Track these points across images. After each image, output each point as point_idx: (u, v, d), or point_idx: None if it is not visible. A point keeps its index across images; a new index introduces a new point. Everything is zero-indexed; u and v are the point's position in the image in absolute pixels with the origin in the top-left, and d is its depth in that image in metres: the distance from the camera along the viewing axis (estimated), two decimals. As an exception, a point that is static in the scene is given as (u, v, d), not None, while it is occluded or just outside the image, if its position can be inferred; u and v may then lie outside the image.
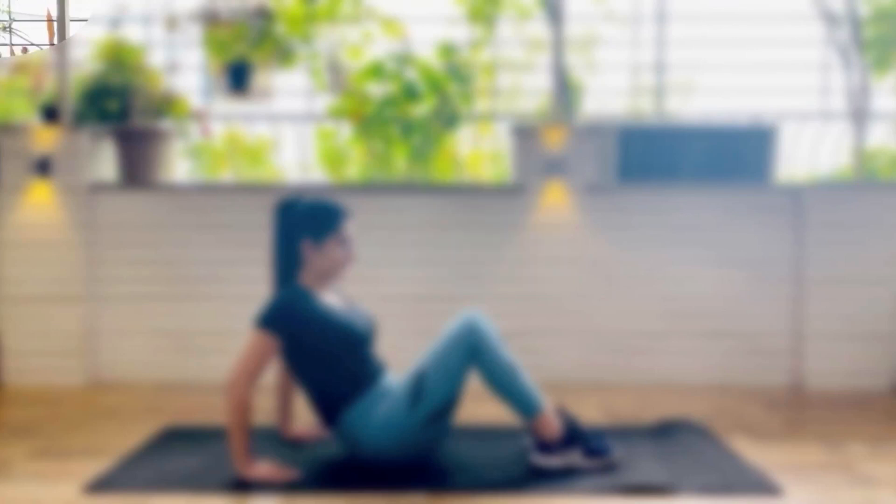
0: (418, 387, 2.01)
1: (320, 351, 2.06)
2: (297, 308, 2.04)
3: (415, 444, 2.06)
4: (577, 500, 1.91)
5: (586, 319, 3.34)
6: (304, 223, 2.10)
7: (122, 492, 1.95)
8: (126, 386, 3.27)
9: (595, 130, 3.38)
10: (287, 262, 2.14)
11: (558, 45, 3.46)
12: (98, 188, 3.34)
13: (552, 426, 2.04)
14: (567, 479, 2.00)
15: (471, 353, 2.02)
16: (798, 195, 3.27)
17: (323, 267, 2.12)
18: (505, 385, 2.03)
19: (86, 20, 3.97)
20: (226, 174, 4.34)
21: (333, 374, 2.07)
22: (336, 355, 2.06)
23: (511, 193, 3.35)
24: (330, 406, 2.07)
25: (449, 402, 2.04)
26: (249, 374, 1.96)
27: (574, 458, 2.03)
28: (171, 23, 3.65)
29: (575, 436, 2.05)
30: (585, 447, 2.04)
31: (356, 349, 2.11)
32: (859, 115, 3.53)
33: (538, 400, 2.05)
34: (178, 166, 4.12)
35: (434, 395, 2.00)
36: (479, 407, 2.46)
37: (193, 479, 2.03)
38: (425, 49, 3.97)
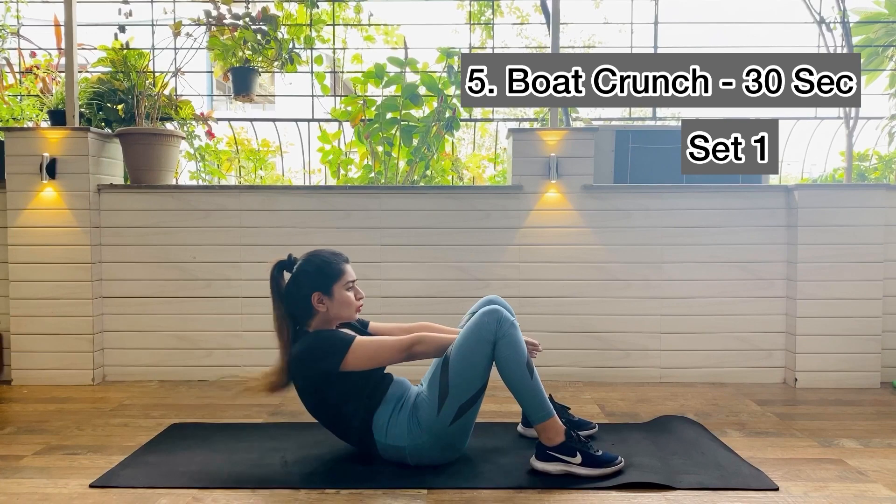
0: (444, 383, 2.03)
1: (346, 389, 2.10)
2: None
3: (451, 440, 2.09)
4: (576, 496, 1.95)
5: (583, 318, 3.38)
6: (309, 279, 2.14)
7: (130, 487, 1.99)
8: (133, 384, 3.32)
9: (592, 132, 3.43)
10: (297, 318, 2.17)
11: (556, 49, 3.50)
12: (105, 190, 3.39)
13: (558, 432, 2.07)
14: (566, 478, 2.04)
15: (493, 348, 2.04)
16: (791, 196, 3.32)
17: (335, 313, 2.16)
18: (523, 383, 2.05)
19: (93, 25, 4.04)
20: (230, 176, 4.38)
21: (351, 402, 2.10)
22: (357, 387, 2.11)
23: (510, 194, 3.40)
24: (361, 435, 2.12)
25: (475, 396, 2.06)
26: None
27: (574, 465, 2.04)
28: (177, 28, 3.69)
29: (577, 443, 2.07)
30: (586, 455, 2.05)
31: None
32: (850, 118, 3.57)
33: (549, 404, 2.09)
34: (184, 168, 4.17)
35: (460, 390, 2.03)
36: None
37: (200, 474, 2.07)
38: (426, 53, 4.01)
